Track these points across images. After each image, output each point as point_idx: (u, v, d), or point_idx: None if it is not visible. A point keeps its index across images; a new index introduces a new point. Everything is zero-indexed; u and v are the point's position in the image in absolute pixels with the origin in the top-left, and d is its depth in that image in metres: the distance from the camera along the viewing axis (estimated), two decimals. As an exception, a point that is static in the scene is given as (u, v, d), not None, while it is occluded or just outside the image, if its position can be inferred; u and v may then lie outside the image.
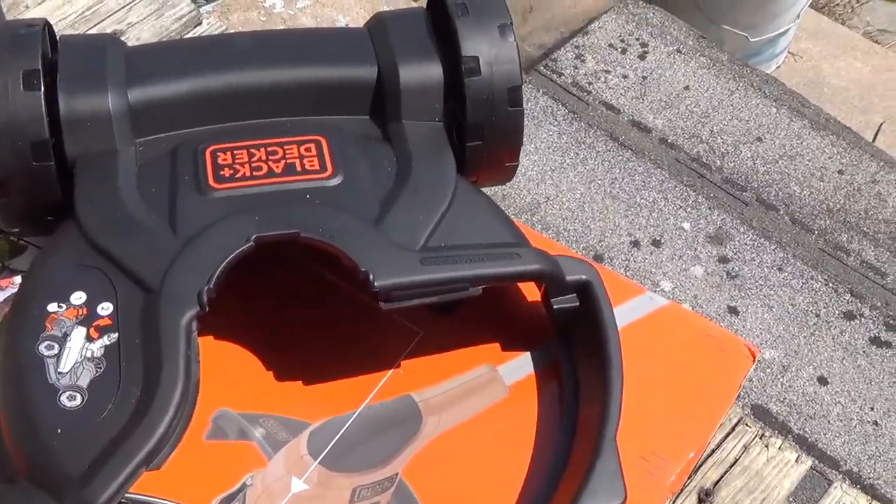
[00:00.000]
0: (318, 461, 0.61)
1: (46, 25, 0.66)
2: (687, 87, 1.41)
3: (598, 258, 1.12)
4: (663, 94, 1.40)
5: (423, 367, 0.65)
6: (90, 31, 0.87)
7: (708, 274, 1.10)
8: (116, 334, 0.56)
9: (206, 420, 0.61)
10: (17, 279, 0.69)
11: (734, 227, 1.15)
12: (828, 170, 1.34)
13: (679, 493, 0.63)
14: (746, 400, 1.04)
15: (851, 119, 1.70)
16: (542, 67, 1.40)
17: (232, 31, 0.99)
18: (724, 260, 1.11)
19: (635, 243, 1.10)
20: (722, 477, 0.65)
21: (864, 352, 1.11)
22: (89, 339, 0.56)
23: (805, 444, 1.01)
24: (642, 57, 1.45)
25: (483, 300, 0.62)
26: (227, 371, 0.64)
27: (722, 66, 1.46)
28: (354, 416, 0.63)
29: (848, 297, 1.13)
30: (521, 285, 0.68)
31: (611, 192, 1.13)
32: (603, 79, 1.41)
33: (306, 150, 0.64)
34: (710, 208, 1.16)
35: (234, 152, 0.64)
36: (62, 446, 0.52)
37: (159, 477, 0.54)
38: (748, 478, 0.64)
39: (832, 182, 1.33)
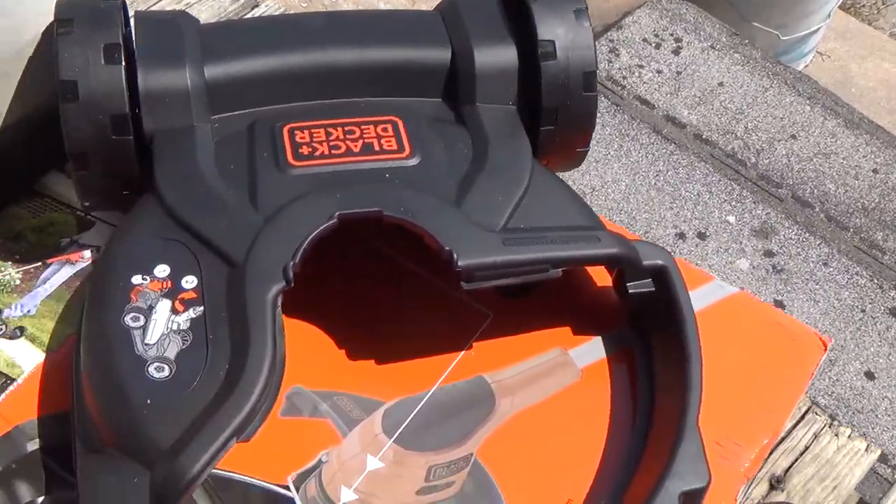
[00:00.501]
0: (392, 439, 0.61)
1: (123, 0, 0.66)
2: (721, 84, 1.41)
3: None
4: (697, 90, 1.40)
5: (494, 349, 0.65)
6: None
7: (753, 267, 1.10)
8: (202, 307, 0.56)
9: (280, 397, 0.61)
10: (87, 253, 0.69)
11: (779, 221, 1.16)
12: (862, 168, 1.34)
13: (751, 480, 0.63)
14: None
15: (880, 119, 1.70)
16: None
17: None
18: (769, 254, 1.11)
19: (681, 235, 1.10)
20: (793, 464, 0.65)
21: (911, 348, 1.11)
22: (175, 311, 0.56)
23: (854, 439, 1.02)
24: (676, 52, 1.45)
25: (552, 285, 0.62)
26: (300, 349, 0.64)
27: (756, 63, 1.46)
28: (428, 395, 0.63)
29: (893, 293, 1.13)
30: (591, 270, 0.68)
31: (655, 184, 1.13)
32: (637, 73, 1.41)
33: (383, 130, 0.64)
34: (754, 202, 1.17)
35: (312, 131, 0.64)
36: (152, 417, 0.52)
37: (235, 453, 0.54)
38: (819, 465, 0.65)
39: (867, 181, 1.33)
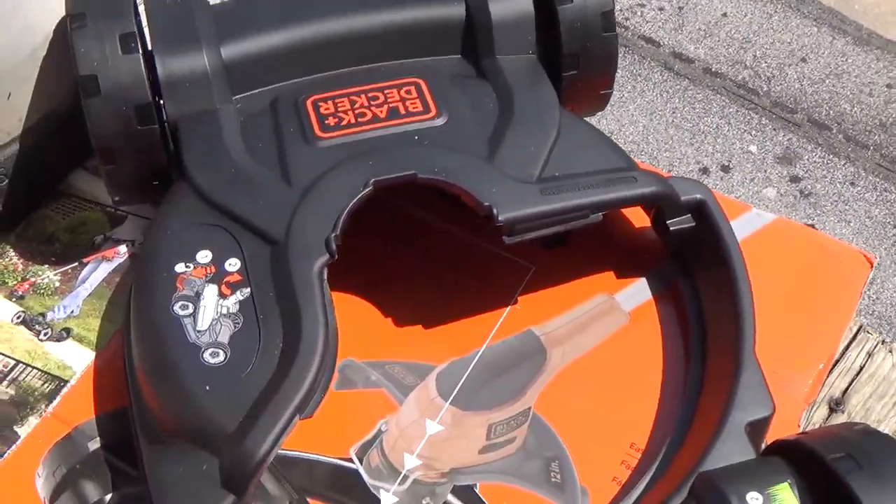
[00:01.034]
0: (449, 402, 0.61)
1: (132, -11, 0.65)
2: (725, 14, 1.40)
3: (661, 190, 1.11)
4: (701, 24, 1.38)
5: (539, 301, 0.65)
6: None
7: (781, 195, 1.09)
8: (248, 289, 0.56)
9: (333, 371, 0.61)
10: (122, 248, 0.69)
11: (801, 146, 1.15)
12: (876, 84, 1.33)
13: (812, 405, 0.63)
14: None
15: (887, 33, 1.68)
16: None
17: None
18: (795, 179, 1.11)
19: (704, 170, 1.10)
20: (850, 385, 0.64)
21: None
22: (222, 295, 0.56)
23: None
24: (676, -13, 1.44)
25: (589, 231, 0.61)
26: (346, 321, 0.63)
27: (757, -11, 1.44)
28: (478, 354, 0.63)
29: (923, 206, 1.13)
30: (626, 212, 0.68)
31: (673, 121, 1.12)
32: (639, 13, 1.39)
33: (406, 92, 0.64)
34: (774, 130, 1.16)
35: (336, 101, 0.63)
36: (213, 403, 0.52)
37: (295, 431, 0.54)
38: (876, 384, 0.64)
39: (882, 96, 1.32)
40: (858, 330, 0.66)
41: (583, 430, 0.60)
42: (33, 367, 0.63)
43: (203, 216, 0.59)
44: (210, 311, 0.55)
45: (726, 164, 1.10)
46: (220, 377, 0.53)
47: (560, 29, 0.65)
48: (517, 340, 0.64)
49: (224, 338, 0.54)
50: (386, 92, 0.64)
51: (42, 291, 0.67)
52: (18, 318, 0.65)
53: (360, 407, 0.61)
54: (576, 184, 0.60)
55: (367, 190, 0.58)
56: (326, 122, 0.62)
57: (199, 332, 0.54)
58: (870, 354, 0.66)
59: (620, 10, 1.37)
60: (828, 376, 0.64)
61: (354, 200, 0.58)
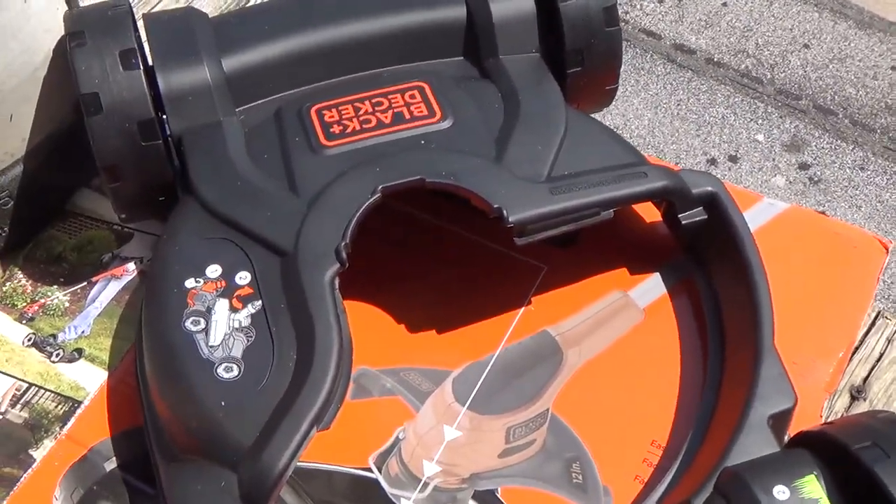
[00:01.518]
0: (466, 406, 0.60)
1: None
2: (724, 4, 1.39)
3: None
4: (702, 14, 1.38)
5: (553, 301, 0.65)
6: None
7: (790, 182, 1.08)
8: (260, 301, 0.55)
9: (348, 381, 0.61)
10: (131, 266, 0.68)
11: (808, 132, 1.14)
12: (880, 67, 1.32)
13: (833, 394, 0.62)
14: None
15: (889, 15, 1.67)
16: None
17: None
18: (804, 166, 1.10)
19: (712, 161, 1.09)
20: (871, 372, 0.64)
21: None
22: (233, 309, 0.55)
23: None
24: (675, -21, 1.43)
25: (601, 228, 0.61)
26: (358, 329, 0.63)
27: (756, -23, 1.44)
28: (494, 357, 0.62)
29: (934, 188, 1.12)
30: (637, 207, 0.67)
31: (678, 113, 1.11)
32: (639, 6, 1.39)
33: (411, 97, 0.63)
34: (780, 117, 1.15)
35: (340, 108, 0.63)
36: (229, 418, 0.51)
37: (313, 442, 0.54)
38: (897, 370, 0.64)
39: (886, 79, 1.31)
40: (877, 316, 0.65)
41: (603, 430, 0.59)
42: (46, 389, 0.63)
43: (211, 230, 0.58)
44: (222, 325, 0.54)
45: (734, 154, 1.09)
46: (234, 392, 0.52)
47: (563, 26, 0.65)
48: (532, 342, 0.63)
49: (237, 352, 0.54)
50: (390, 97, 0.63)
51: (52, 312, 0.66)
52: (29, 340, 0.65)
53: (376, 415, 0.60)
54: (585, 181, 0.59)
55: (375, 197, 0.58)
56: (331, 130, 0.62)
57: (211, 347, 0.54)
58: (889, 340, 0.65)
59: (620, 4, 1.36)
60: (848, 364, 0.63)
61: (363, 208, 0.57)
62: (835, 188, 1.09)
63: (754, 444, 0.52)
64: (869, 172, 1.11)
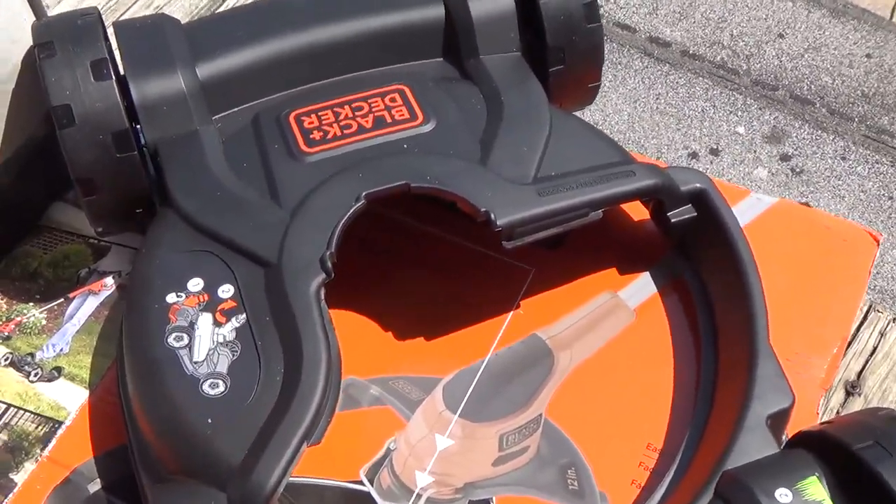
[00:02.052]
0: (457, 414, 0.59)
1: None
2: (698, -6, 1.38)
3: (650, 178, 1.10)
4: (675, 6, 1.37)
5: (542, 304, 0.64)
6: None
7: (772, 174, 1.08)
8: (244, 315, 0.54)
9: (338, 393, 0.59)
10: (109, 280, 0.67)
11: (788, 123, 1.14)
12: (855, 56, 1.32)
13: (829, 390, 0.62)
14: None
15: (861, 2, 1.67)
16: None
17: None
18: (785, 158, 1.09)
19: (693, 155, 1.08)
20: (864, 367, 0.63)
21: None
22: (217, 323, 0.54)
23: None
24: (646, -29, 1.42)
25: (588, 228, 0.60)
26: (347, 339, 0.61)
27: (729, -32, 1.43)
28: (484, 363, 0.61)
29: (917, 175, 1.12)
30: (624, 206, 0.66)
31: (658, 107, 1.11)
32: (612, 0, 1.38)
33: (391, 100, 0.62)
34: (760, 109, 1.14)
35: (319, 114, 0.61)
36: (216, 436, 0.50)
37: (302, 456, 0.53)
38: (891, 363, 0.63)
39: (862, 67, 1.31)
40: (868, 309, 0.65)
41: (597, 434, 0.58)
42: (26, 410, 0.61)
43: (191, 243, 0.57)
44: (206, 340, 0.53)
45: (715, 146, 1.09)
46: (221, 409, 0.51)
47: (543, 24, 0.64)
48: (523, 346, 0.62)
49: (223, 367, 0.52)
50: (370, 101, 0.62)
51: (29, 331, 0.65)
52: (6, 359, 0.63)
53: (366, 426, 0.59)
54: (573, 182, 0.58)
55: (359, 204, 0.56)
56: (311, 136, 0.60)
57: (196, 363, 0.52)
58: (882, 333, 0.64)
59: (593, -2, 1.34)
60: (842, 359, 0.63)
61: (347, 215, 0.56)
62: (817, 179, 1.08)
63: (753, 445, 0.51)
64: (850, 162, 1.11)
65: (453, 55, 0.66)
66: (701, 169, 1.11)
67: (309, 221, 0.56)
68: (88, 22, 0.61)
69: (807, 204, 1.09)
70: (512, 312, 0.63)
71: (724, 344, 0.58)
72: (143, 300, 0.55)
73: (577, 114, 0.67)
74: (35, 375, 0.62)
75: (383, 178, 0.57)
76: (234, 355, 0.52)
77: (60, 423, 0.60)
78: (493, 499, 0.56)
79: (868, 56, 1.32)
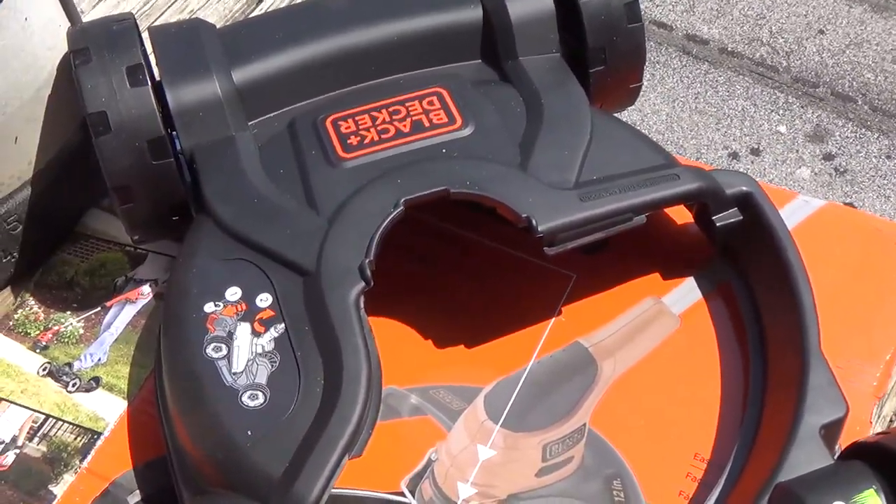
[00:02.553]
0: (499, 424, 0.58)
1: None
2: (736, -9, 1.36)
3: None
4: (713, 2, 1.35)
5: (584, 310, 0.62)
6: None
7: (815, 174, 1.06)
8: (283, 324, 0.53)
9: (379, 404, 0.58)
10: (146, 289, 0.66)
11: (831, 121, 1.11)
12: (898, 51, 1.30)
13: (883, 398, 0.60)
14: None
15: (904, -3, 1.64)
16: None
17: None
18: (828, 157, 1.07)
19: (734, 155, 1.06)
20: (918, 373, 0.61)
21: None
22: (255, 333, 0.53)
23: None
24: (684, -32, 1.40)
25: (631, 233, 0.58)
26: (385, 347, 0.60)
27: (767, -36, 1.41)
28: (526, 372, 0.60)
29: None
30: (668, 210, 0.65)
31: (697, 107, 1.09)
32: (648, -2, 1.36)
33: (429, 103, 0.61)
34: (801, 107, 1.12)
35: (356, 119, 0.60)
36: (256, 448, 0.49)
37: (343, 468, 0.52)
38: (946, 368, 0.61)
39: (905, 63, 1.28)
40: (922, 314, 0.63)
41: (643, 444, 0.57)
42: (64, 421, 0.60)
43: (228, 251, 0.56)
44: (245, 351, 0.52)
45: (756, 146, 1.07)
46: (261, 421, 0.50)
47: (584, 24, 0.62)
48: (565, 354, 0.61)
49: (262, 378, 0.51)
50: (407, 105, 0.61)
51: (66, 340, 0.64)
52: (44, 369, 0.63)
53: (407, 437, 0.58)
54: (616, 186, 0.57)
55: (398, 210, 0.55)
56: (348, 141, 0.59)
57: (235, 374, 0.52)
58: (936, 339, 0.62)
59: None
60: (895, 366, 0.61)
61: (386, 222, 0.55)
62: (861, 178, 1.06)
63: (806, 457, 0.49)
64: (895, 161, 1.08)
65: (492, 57, 0.65)
66: (742, 169, 1.10)
67: (347, 229, 0.55)
68: (124, 27, 0.60)
69: (851, 205, 1.08)
70: (553, 319, 0.62)
71: (774, 351, 0.57)
72: (181, 310, 0.54)
73: (616, 115, 0.66)
74: (73, 386, 0.62)
75: (422, 184, 0.56)
76: (273, 366, 0.52)
77: (99, 434, 0.60)
78: (537, 510, 0.55)
79: (911, 52, 1.29)
